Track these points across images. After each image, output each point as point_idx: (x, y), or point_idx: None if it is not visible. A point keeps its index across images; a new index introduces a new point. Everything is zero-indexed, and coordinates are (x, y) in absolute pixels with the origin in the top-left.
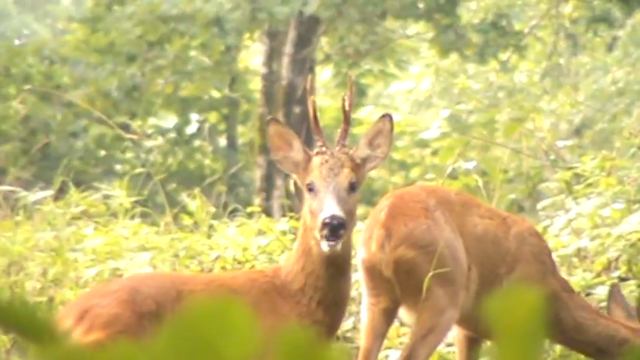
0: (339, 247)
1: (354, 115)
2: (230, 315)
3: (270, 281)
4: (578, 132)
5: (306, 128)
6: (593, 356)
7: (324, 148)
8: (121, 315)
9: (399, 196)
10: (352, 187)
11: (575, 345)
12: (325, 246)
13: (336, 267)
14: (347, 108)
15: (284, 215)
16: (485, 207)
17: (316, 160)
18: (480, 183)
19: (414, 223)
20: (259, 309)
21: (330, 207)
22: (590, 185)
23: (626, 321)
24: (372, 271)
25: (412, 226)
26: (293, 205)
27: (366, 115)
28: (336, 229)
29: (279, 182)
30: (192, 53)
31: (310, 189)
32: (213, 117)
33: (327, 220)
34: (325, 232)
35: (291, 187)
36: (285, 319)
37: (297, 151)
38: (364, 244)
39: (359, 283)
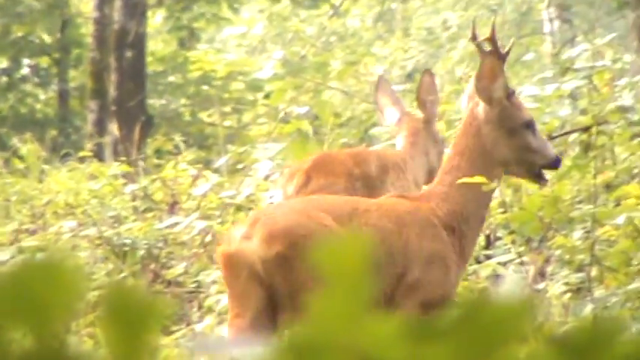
0: None
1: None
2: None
3: (433, 209)
4: (410, 77)
5: (139, 72)
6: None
7: None
8: (297, 221)
9: None
10: None
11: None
12: (543, 181)
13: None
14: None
15: (116, 160)
16: None
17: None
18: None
19: None
20: (425, 234)
21: (552, 150)
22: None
23: None
24: None
25: None
26: (124, 150)
27: (199, 56)
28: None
29: (110, 127)
30: None
31: (529, 126)
32: (44, 61)
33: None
34: (548, 170)
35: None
36: (448, 245)
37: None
38: None
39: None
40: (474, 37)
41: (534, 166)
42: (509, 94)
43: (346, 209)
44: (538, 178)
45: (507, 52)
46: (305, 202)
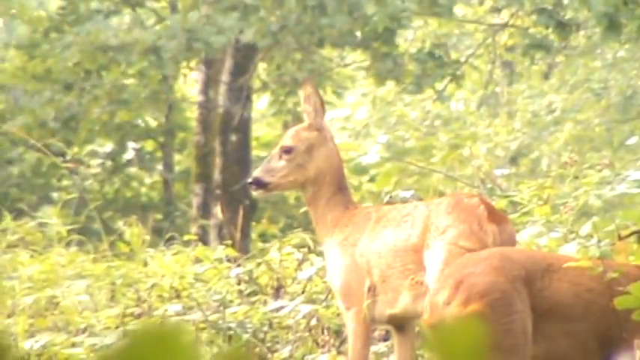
0: None
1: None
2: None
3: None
4: (514, 160)
5: (244, 157)
6: None
7: None
8: (495, 282)
9: None
10: None
11: None
12: None
13: None
14: None
15: (220, 243)
16: None
17: None
18: None
19: None
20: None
21: None
22: (526, 214)
23: None
24: None
25: None
26: (229, 234)
27: None
28: None
29: (215, 210)
30: (129, 81)
31: None
32: (149, 145)
33: None
34: None
35: (220, 215)
36: None
37: None
38: None
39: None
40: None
41: None
42: None
43: (542, 265)
44: None
45: None
46: (503, 259)
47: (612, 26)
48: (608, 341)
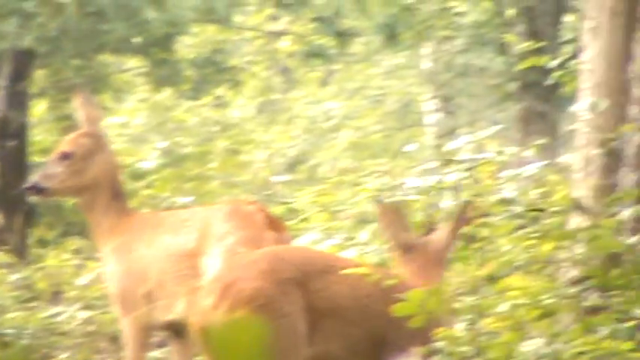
0: None
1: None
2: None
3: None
4: (292, 167)
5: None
6: None
7: None
8: (261, 288)
9: None
10: None
11: None
12: None
13: None
14: None
15: None
16: None
17: None
18: None
19: None
20: None
21: None
22: (305, 220)
23: None
24: None
25: None
26: (7, 239)
27: None
28: None
29: None
30: None
31: None
32: None
33: None
34: None
35: None
36: None
37: None
38: None
39: None
40: None
41: None
42: None
43: (320, 266)
44: None
45: None
46: (274, 261)
47: (392, 36)
48: (383, 347)
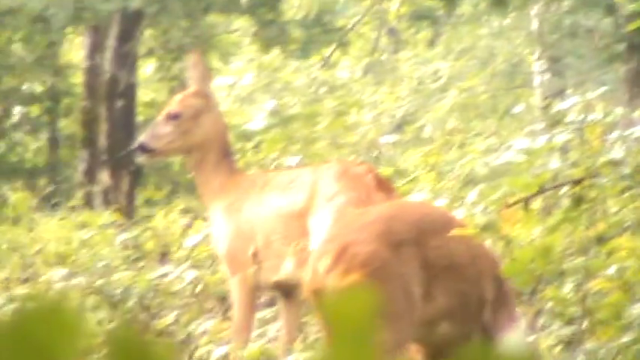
0: None
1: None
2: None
3: None
4: (399, 128)
5: (130, 122)
6: None
7: None
8: (376, 251)
9: None
10: None
11: None
12: None
13: None
14: None
15: (106, 209)
16: None
17: None
18: None
19: None
20: None
21: None
22: (412, 181)
23: None
24: None
25: None
26: (115, 199)
27: None
28: None
29: (100, 176)
30: (15, 46)
31: None
32: (35, 110)
33: None
34: None
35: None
36: None
37: None
38: None
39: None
40: None
41: None
42: None
43: (440, 222)
44: None
45: None
46: (390, 220)
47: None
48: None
